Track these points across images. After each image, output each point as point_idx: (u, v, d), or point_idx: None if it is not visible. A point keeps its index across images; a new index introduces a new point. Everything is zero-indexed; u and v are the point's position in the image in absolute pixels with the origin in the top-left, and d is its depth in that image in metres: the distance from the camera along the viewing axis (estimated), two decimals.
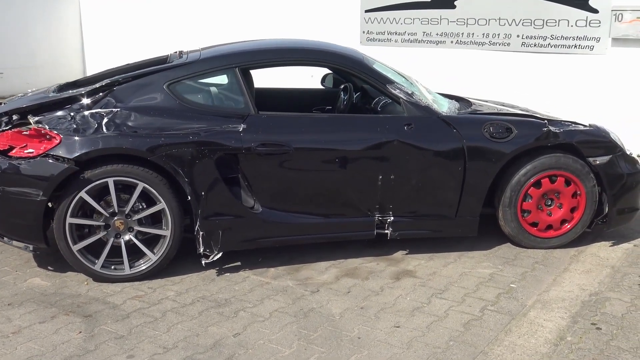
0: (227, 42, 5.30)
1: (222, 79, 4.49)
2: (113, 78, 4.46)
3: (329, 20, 9.43)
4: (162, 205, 4.20)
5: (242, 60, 4.48)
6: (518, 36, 8.11)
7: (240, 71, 4.44)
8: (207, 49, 4.82)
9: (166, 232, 4.24)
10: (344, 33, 9.30)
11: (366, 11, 9.18)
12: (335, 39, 9.20)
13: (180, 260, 4.48)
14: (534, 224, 4.82)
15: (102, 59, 12.00)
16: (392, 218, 4.57)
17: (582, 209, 4.80)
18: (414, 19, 8.80)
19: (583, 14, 7.59)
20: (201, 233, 4.27)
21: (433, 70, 8.68)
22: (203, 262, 4.36)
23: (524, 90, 8.10)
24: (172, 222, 4.22)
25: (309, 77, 9.50)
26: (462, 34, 8.49)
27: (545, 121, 4.69)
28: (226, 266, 4.55)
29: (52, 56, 11.99)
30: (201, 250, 4.33)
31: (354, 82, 5.28)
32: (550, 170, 4.69)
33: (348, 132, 4.44)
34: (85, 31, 12.36)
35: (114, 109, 4.24)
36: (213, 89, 4.51)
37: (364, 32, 9.26)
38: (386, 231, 4.59)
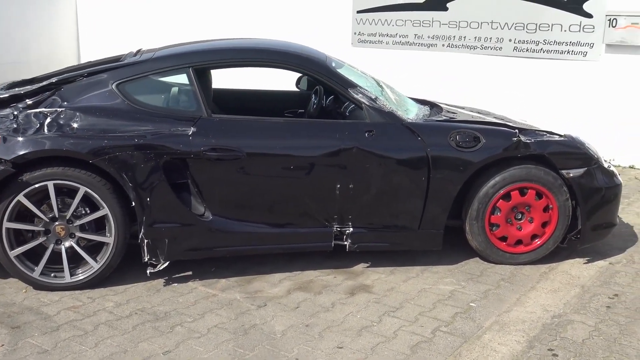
0: (195, 40, 5.08)
1: (175, 80, 4.28)
2: (62, 76, 4.28)
3: (320, 21, 9.22)
4: (105, 210, 4.00)
5: (195, 60, 4.28)
6: (510, 40, 7.85)
7: (194, 71, 4.23)
8: (163, 48, 4.61)
9: (109, 239, 4.05)
10: (336, 34, 9.10)
11: (358, 12, 8.96)
12: (326, 40, 9.05)
13: (130, 268, 4.28)
14: (503, 239, 4.58)
15: (97, 53, 11.84)
16: (351, 229, 4.35)
17: (554, 224, 4.55)
18: (405, 20, 8.57)
19: (577, 18, 7.32)
20: (146, 241, 4.07)
21: (424, 74, 8.46)
22: (148, 271, 4.16)
23: (515, 95, 7.86)
24: (115, 228, 4.03)
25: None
26: (454, 37, 8.25)
27: (516, 131, 4.44)
28: (175, 276, 4.35)
29: (47, 50, 11.84)
30: (146, 259, 4.13)
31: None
32: (521, 183, 4.45)
33: (304, 137, 4.23)
34: (81, 25, 12.21)
35: (58, 109, 4.06)
36: (165, 89, 4.31)
37: (355, 33, 9.04)
38: (345, 243, 4.37)
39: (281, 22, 9.52)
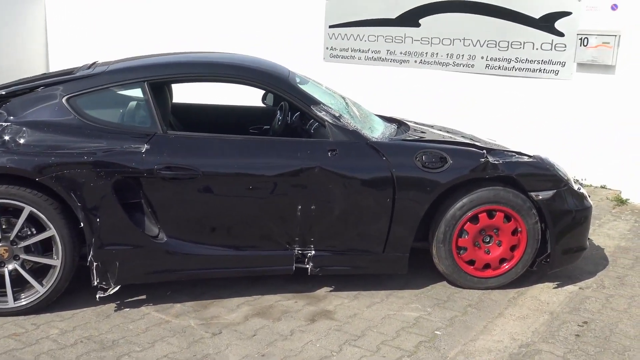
0: (154, 54, 4.90)
1: (130, 94, 4.08)
2: (10, 89, 4.06)
3: (293, 36, 9.10)
4: (51, 231, 3.79)
5: (150, 75, 4.09)
6: (482, 57, 7.77)
7: (149, 86, 4.04)
8: (119, 61, 4.42)
9: (56, 261, 3.83)
10: (308, 49, 8.98)
11: (330, 27, 8.84)
12: (299, 55, 8.92)
13: (81, 291, 4.06)
14: (471, 262, 4.43)
15: (66, 64, 11.58)
16: (313, 252, 4.17)
17: (522, 248, 4.41)
18: (378, 36, 8.46)
19: (549, 37, 7.25)
20: (95, 264, 3.86)
21: (396, 90, 8.36)
22: (97, 296, 3.94)
23: (487, 113, 7.76)
24: (62, 250, 3.81)
25: None
26: (426, 53, 8.15)
27: (484, 151, 4.31)
28: (128, 300, 4.13)
29: (16, 60, 11.57)
30: (96, 283, 3.91)
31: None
32: (489, 205, 4.31)
33: (264, 156, 4.05)
34: (50, 35, 11.97)
35: (3, 123, 3.85)
36: (118, 104, 4.11)
37: (327, 48, 8.92)
38: (306, 266, 4.19)
39: (254, 37, 9.38)
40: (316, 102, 4.22)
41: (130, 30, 10.58)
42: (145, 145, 3.89)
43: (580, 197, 4.53)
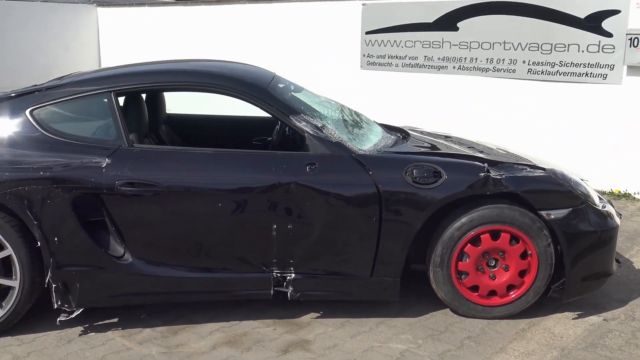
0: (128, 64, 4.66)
1: (96, 105, 3.84)
2: None
3: (329, 44, 8.76)
4: (8, 251, 3.59)
5: (117, 84, 3.85)
6: (524, 62, 7.20)
7: (115, 96, 3.79)
8: (94, 71, 4.19)
9: (14, 282, 3.62)
10: (345, 57, 8.62)
11: (367, 33, 8.46)
12: (335, 64, 8.59)
13: (49, 314, 3.83)
14: (474, 289, 3.95)
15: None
16: (292, 275, 3.81)
17: (533, 273, 3.91)
18: (415, 41, 8.01)
19: (595, 38, 6.63)
20: (54, 285, 3.63)
21: (434, 98, 7.91)
22: (58, 320, 3.70)
23: (529, 121, 7.19)
24: (20, 270, 3.61)
25: None
26: (465, 58, 7.64)
27: (485, 165, 3.83)
28: (98, 323, 3.90)
29: (68, 70, 11.68)
30: (56, 306, 3.67)
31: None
32: (492, 225, 3.84)
33: (234, 171, 3.73)
34: (103, 48, 12.07)
35: None
36: (83, 117, 3.88)
37: (364, 55, 8.54)
38: (286, 290, 3.82)
39: (289, 46, 9.11)
40: (296, 112, 3.87)
41: (179, 40, 10.50)
42: (107, 160, 3.63)
43: (603, 216, 3.99)
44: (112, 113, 3.76)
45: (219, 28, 9.98)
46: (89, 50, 11.89)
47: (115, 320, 3.94)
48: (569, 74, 6.90)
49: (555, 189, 3.87)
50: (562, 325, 3.93)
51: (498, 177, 3.80)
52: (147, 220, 3.68)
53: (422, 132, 4.79)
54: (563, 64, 6.93)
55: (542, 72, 7.09)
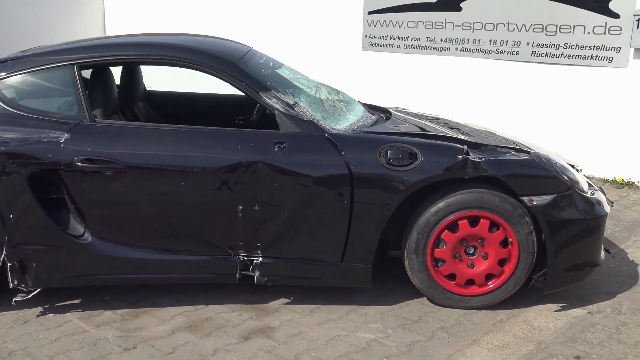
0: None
1: (57, 78, 3.68)
2: None
3: (331, 24, 8.54)
4: None
5: (79, 57, 3.69)
6: (528, 44, 6.93)
7: (77, 69, 3.63)
8: (55, 45, 4.03)
9: None
10: (347, 38, 8.40)
11: (369, 13, 8.22)
12: (337, 45, 8.37)
13: (9, 294, 3.70)
14: (451, 277, 3.76)
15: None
16: (260, 259, 3.65)
17: (514, 262, 3.71)
18: (417, 22, 7.77)
19: (602, 18, 6.35)
20: (9, 264, 3.50)
21: (437, 80, 7.65)
22: (14, 300, 3.58)
23: (532, 105, 6.94)
24: None
25: None
26: (468, 40, 7.39)
27: (464, 147, 3.62)
28: (59, 304, 3.77)
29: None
30: (12, 285, 3.55)
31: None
32: (470, 210, 3.63)
33: (200, 149, 3.56)
34: (109, 32, 11.94)
35: None
36: (44, 90, 3.73)
37: (366, 36, 8.31)
38: (252, 274, 3.66)
39: (290, 26, 8.91)
40: (266, 89, 3.69)
41: (186, 18, 10.32)
42: (65, 135, 3.49)
43: (591, 204, 3.77)
44: (74, 86, 3.61)
45: (221, 9, 9.79)
46: (94, 28, 11.77)
47: (78, 301, 3.81)
48: (574, 56, 6.64)
49: (538, 174, 3.66)
50: (543, 318, 3.73)
51: (477, 160, 3.59)
52: (107, 198, 3.54)
53: (407, 113, 4.59)
54: (568, 46, 6.67)
55: (546, 55, 6.83)
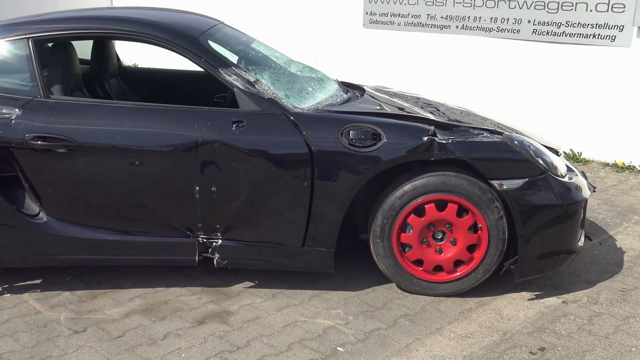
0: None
1: (11, 53, 3.58)
2: None
3: (331, 1, 8.33)
4: None
5: (34, 31, 3.58)
6: (529, 22, 6.69)
7: (32, 44, 3.53)
8: (11, 19, 3.92)
9: None
10: (347, 15, 8.20)
11: None
12: (337, 22, 8.18)
13: None
14: (419, 263, 3.62)
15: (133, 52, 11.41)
16: (219, 241, 3.55)
17: (483, 248, 3.56)
18: None
19: None
20: None
21: (436, 60, 7.46)
22: None
23: (532, 85, 6.72)
24: None
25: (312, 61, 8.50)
26: (469, 17, 7.16)
27: (431, 128, 3.46)
28: (19, 284, 3.72)
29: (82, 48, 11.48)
30: None
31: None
32: (437, 194, 3.49)
33: (155, 126, 3.45)
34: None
35: None
36: (1, 65, 3.62)
37: (367, 13, 8.10)
38: (212, 257, 3.56)
39: (289, 3, 8.72)
40: (226, 65, 3.56)
41: (191, 4, 10.20)
42: (17, 111, 3.40)
43: (567, 189, 3.59)
44: (28, 61, 3.51)
45: None
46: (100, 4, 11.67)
47: (38, 281, 3.75)
48: (576, 35, 6.39)
49: (509, 157, 3.49)
50: (514, 307, 3.58)
51: (444, 141, 3.43)
52: (62, 177, 3.45)
53: (386, 92, 4.44)
54: (570, 24, 6.41)
55: (547, 33, 6.58)
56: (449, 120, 3.75)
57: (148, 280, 3.77)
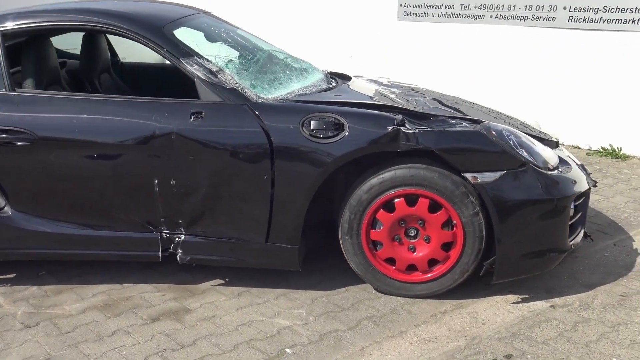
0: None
1: None
2: None
3: None
4: None
5: (2, 24, 3.57)
6: (565, 8, 6.29)
7: (1, 37, 3.52)
8: None
9: None
10: (381, 7, 7.97)
11: None
12: (371, 15, 7.97)
13: None
14: (391, 261, 3.40)
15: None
16: (183, 237, 3.44)
17: (459, 247, 3.30)
18: None
19: None
20: None
21: (470, 51, 7.13)
22: None
23: (569, 77, 6.31)
24: None
25: (349, 57, 8.32)
26: (503, 6, 6.81)
27: (398, 117, 3.24)
28: None
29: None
30: None
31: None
32: (406, 188, 3.26)
33: (114, 119, 3.38)
34: None
35: None
36: None
37: (401, 5, 7.84)
38: (175, 252, 3.46)
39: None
40: (188, 55, 3.44)
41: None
42: None
43: (553, 182, 3.29)
44: None
45: None
46: None
47: (11, 276, 3.75)
48: (614, 21, 5.95)
49: (483, 148, 3.22)
50: (494, 310, 3.30)
51: (411, 131, 3.20)
52: (24, 171, 3.43)
53: (376, 82, 4.22)
54: (607, 9, 5.98)
55: (584, 20, 6.16)
56: (426, 110, 3.50)
57: (118, 276, 3.70)
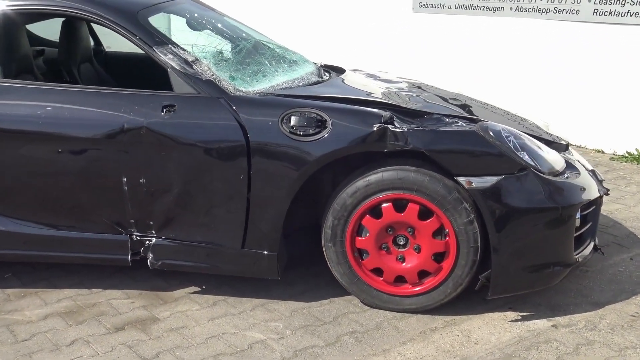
0: None
1: None
2: None
3: None
4: None
5: None
6: (590, 1, 5.91)
7: None
8: None
9: None
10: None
11: None
12: (386, 7, 7.66)
13: None
14: (378, 272, 3.11)
15: None
16: (153, 240, 3.19)
17: (452, 258, 3.00)
18: None
19: None
20: None
21: (488, 46, 6.78)
22: None
23: (593, 74, 5.94)
24: None
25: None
26: None
27: (385, 114, 2.95)
28: None
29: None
30: None
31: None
32: (394, 192, 2.97)
33: (79, 111, 3.13)
34: None
35: None
36: None
37: None
38: (146, 256, 3.21)
39: None
40: (162, 43, 3.18)
41: None
42: None
43: (558, 189, 2.97)
44: None
45: None
46: None
47: None
48: None
49: (479, 150, 2.91)
50: (489, 329, 2.99)
51: (400, 130, 2.90)
52: None
53: (372, 76, 3.93)
54: (635, 2, 5.59)
55: (610, 13, 5.78)
56: (423, 106, 3.20)
57: (88, 280, 3.46)
